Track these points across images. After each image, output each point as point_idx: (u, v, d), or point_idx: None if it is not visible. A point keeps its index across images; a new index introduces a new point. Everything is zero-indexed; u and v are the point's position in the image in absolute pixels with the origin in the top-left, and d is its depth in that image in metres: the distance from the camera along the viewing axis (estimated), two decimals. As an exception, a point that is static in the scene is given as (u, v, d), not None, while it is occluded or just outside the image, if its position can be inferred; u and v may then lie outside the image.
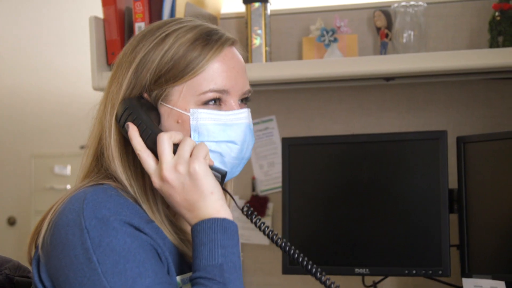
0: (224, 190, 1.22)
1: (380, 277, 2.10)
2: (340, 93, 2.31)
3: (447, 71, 2.06)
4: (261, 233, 2.34)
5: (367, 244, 1.97)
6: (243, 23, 2.32)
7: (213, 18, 2.30)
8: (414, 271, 1.91)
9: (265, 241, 2.34)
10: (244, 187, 2.38)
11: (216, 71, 1.20)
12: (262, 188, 2.36)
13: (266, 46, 2.24)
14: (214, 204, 1.15)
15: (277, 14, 2.32)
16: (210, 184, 1.15)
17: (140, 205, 1.20)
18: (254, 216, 1.24)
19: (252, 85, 2.23)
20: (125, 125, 1.19)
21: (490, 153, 1.87)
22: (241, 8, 2.30)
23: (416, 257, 1.92)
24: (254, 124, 2.36)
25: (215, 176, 1.18)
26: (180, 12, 2.12)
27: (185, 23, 1.23)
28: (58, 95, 3.42)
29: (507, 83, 2.17)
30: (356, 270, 1.96)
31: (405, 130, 2.23)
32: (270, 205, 2.35)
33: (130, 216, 1.14)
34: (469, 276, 1.85)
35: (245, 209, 1.24)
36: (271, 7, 2.26)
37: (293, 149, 2.06)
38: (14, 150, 3.46)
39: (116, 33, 2.14)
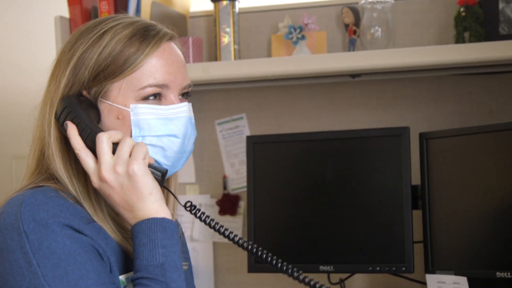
0: (165, 188, 1.22)
1: (347, 274, 2.09)
2: (310, 90, 2.30)
3: (414, 67, 2.05)
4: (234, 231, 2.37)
5: (332, 241, 1.96)
6: (211, 21, 2.31)
7: (182, 17, 2.29)
8: (378, 268, 1.90)
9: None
10: (215, 186, 2.38)
11: (155, 66, 1.19)
12: (233, 186, 2.36)
13: (235, 44, 2.24)
14: (153, 205, 1.15)
15: (245, 12, 2.31)
16: (148, 184, 1.15)
17: (82, 206, 1.19)
18: (198, 211, 1.22)
19: (221, 83, 2.26)
20: (64, 124, 1.19)
21: (452, 149, 1.87)
22: (209, 6, 2.29)
23: (380, 254, 1.91)
24: (224, 122, 2.37)
25: (155, 174, 1.18)
26: (146, 11, 2.12)
27: (122, 19, 1.23)
28: (39, 95, 3.41)
29: (475, 79, 2.17)
30: (321, 267, 1.95)
31: (374, 126, 2.22)
32: (242, 204, 2.34)
33: (69, 218, 1.13)
34: (432, 272, 1.85)
35: (188, 205, 1.23)
36: (239, 5, 2.26)
37: (257, 147, 2.06)
38: (-5, 151, 3.45)
39: (82, 33, 2.14)
